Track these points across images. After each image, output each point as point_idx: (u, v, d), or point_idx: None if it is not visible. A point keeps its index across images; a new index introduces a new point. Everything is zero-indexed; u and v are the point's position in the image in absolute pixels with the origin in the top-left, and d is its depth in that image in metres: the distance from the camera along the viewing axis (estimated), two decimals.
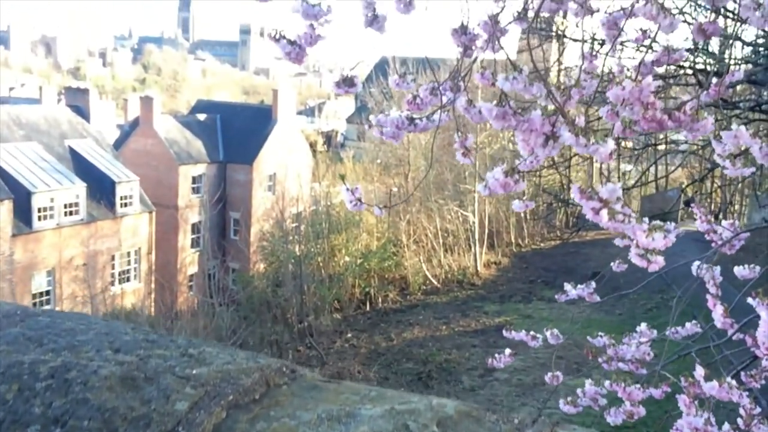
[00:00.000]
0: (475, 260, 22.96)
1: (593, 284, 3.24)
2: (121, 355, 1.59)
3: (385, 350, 16.86)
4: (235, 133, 37.12)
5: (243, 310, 19.61)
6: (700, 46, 6.48)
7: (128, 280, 28.93)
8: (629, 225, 1.64)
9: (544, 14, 1.93)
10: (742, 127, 1.77)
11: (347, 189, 2.01)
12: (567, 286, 3.33)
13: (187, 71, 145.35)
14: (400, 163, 31.25)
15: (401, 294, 21.59)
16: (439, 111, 1.92)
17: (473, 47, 1.84)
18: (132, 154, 33.50)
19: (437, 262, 23.07)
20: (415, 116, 1.97)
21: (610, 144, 1.59)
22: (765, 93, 7.00)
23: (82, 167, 27.87)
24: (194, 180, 34.88)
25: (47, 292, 25.40)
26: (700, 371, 1.91)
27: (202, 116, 38.07)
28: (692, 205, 2.94)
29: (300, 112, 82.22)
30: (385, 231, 24.37)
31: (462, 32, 1.84)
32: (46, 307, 25.00)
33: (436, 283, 21.96)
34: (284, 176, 35.62)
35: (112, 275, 28.03)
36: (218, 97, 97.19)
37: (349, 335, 18.22)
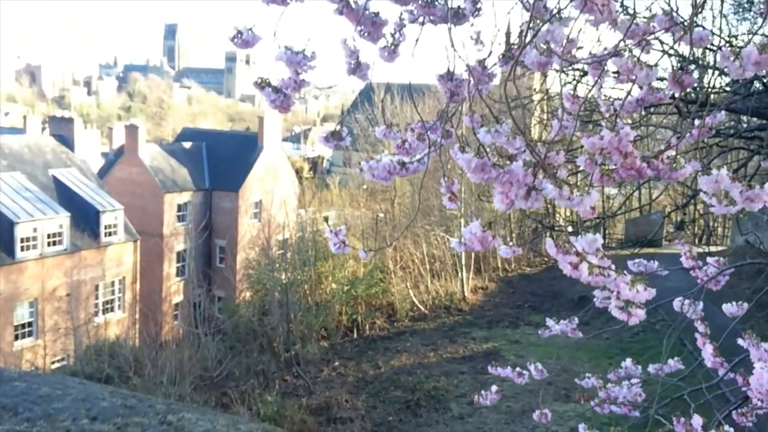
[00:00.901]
0: (462, 286, 22.91)
1: (576, 320, 3.23)
2: (98, 424, 1.55)
3: (372, 378, 16.69)
4: (221, 160, 37.07)
5: (229, 339, 19.38)
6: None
7: (112, 310, 28.56)
8: (611, 279, 1.62)
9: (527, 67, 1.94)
10: (723, 171, 1.77)
11: (331, 231, 2.00)
12: (549, 322, 3.32)
13: (172, 99, 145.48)
14: (386, 189, 31.31)
15: (389, 321, 21.45)
16: (428, 154, 1.92)
17: (459, 93, 1.85)
18: (117, 183, 33.33)
19: (424, 288, 22.98)
20: (405, 160, 1.97)
21: (594, 196, 1.58)
22: (744, 120, 7.11)
23: (66, 196, 27.65)
24: (179, 208, 34.69)
25: (30, 324, 25.00)
26: (697, 420, 1.89)
27: (187, 144, 38.01)
28: (677, 240, 2.94)
29: (286, 139, 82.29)
30: (371, 257, 24.29)
31: (449, 78, 1.85)
32: (29, 339, 24.58)
33: (423, 309, 21.85)
34: (270, 203, 35.52)
35: (96, 305, 27.67)
36: (204, 125, 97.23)
37: (337, 363, 18.03)
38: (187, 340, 18.70)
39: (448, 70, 1.86)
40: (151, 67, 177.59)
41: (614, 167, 1.67)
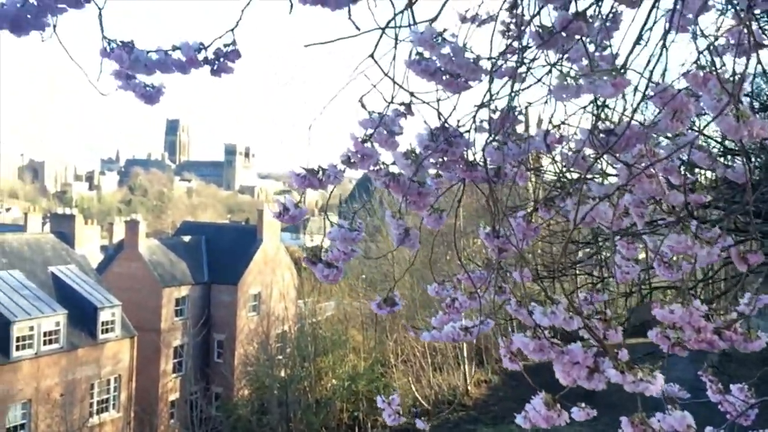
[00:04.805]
0: (465, 379, 22.46)
1: None
2: None
3: None
4: (220, 253, 37.12)
5: None
6: None
7: (107, 409, 27.79)
8: None
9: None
10: None
11: (383, 401, 2.04)
12: None
13: (172, 192, 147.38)
14: (385, 279, 31.19)
15: None
16: (488, 316, 1.96)
17: (507, 249, 1.90)
18: (115, 278, 33.20)
19: (426, 382, 22.51)
20: (468, 325, 2.02)
21: (660, 380, 1.56)
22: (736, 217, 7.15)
23: (64, 293, 27.49)
24: (178, 302, 34.42)
25: (22, 426, 24.25)
26: None
27: (187, 238, 38.18)
28: (702, 373, 2.91)
29: (285, 229, 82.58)
30: (371, 350, 23.96)
31: (495, 236, 1.91)
32: None
33: (425, 404, 21.32)
34: (269, 295, 35.30)
35: (91, 405, 26.96)
36: (204, 217, 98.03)
37: None
38: None
39: (494, 228, 1.92)
40: (152, 161, 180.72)
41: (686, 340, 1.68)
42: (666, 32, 1.55)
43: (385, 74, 1.88)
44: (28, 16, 1.63)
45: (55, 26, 1.72)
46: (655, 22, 1.64)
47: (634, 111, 1.61)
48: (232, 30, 1.80)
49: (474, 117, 1.93)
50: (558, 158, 2.05)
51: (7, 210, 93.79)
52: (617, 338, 1.79)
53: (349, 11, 1.72)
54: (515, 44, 1.93)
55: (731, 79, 1.46)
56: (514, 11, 2.58)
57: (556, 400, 1.70)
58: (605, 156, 1.77)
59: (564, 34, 1.57)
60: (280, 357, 23.40)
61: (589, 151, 1.91)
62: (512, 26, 2.59)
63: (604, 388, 1.71)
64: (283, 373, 21.45)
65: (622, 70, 1.48)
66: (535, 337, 1.71)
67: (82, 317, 27.11)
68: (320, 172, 1.90)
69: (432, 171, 2.01)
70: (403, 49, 1.92)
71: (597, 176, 1.99)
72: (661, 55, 1.57)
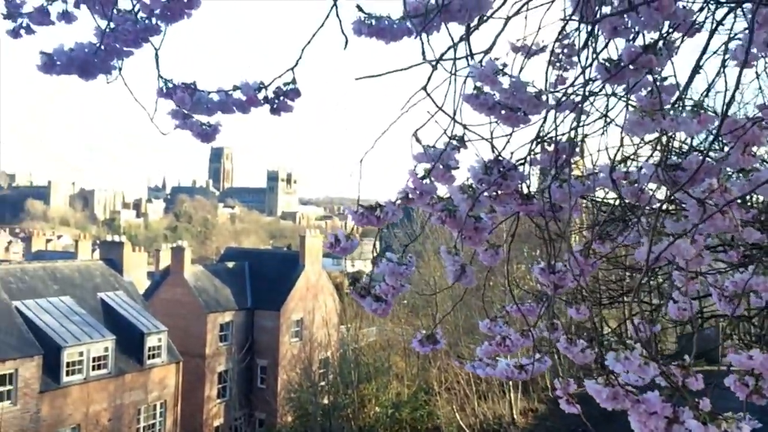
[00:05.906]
0: (511, 408, 22.01)
1: None
2: None
3: None
4: (263, 279, 37.46)
5: None
6: None
7: None
8: None
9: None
10: None
11: None
12: None
13: (216, 218, 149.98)
14: (428, 305, 30.96)
15: None
16: (546, 353, 1.93)
17: (563, 284, 1.86)
18: (162, 304, 33.76)
19: (471, 411, 22.14)
20: (523, 363, 1.99)
21: (746, 430, 1.44)
22: None
23: (112, 319, 28.05)
24: (222, 328, 34.77)
25: None
26: None
27: (230, 264, 38.68)
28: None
29: (326, 254, 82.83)
30: (415, 377, 23.74)
31: (551, 271, 1.87)
32: None
33: None
34: (311, 321, 35.42)
35: (138, 430, 27.30)
36: (247, 243, 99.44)
37: None
38: None
39: (549, 264, 1.88)
40: (197, 188, 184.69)
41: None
42: (737, 66, 1.50)
43: (440, 108, 1.86)
44: (96, 60, 1.67)
45: (120, 69, 1.77)
46: (724, 53, 1.59)
47: (709, 148, 1.55)
48: (292, 69, 1.82)
49: (530, 150, 1.90)
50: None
51: (59, 237, 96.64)
52: (698, 385, 1.69)
53: (423, 53, 1.72)
54: (579, 78, 1.90)
55: None
56: (565, 42, 2.55)
57: None
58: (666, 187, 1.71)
59: (632, 67, 1.54)
60: (323, 383, 23.35)
61: (651, 185, 1.86)
62: (562, 56, 2.56)
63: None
64: (326, 400, 21.38)
65: (692, 104, 1.44)
66: (608, 384, 1.61)
67: (130, 343, 27.59)
68: (378, 209, 1.89)
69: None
70: (455, 81, 1.91)
71: (653, 207, 1.94)
72: (735, 90, 1.52)
